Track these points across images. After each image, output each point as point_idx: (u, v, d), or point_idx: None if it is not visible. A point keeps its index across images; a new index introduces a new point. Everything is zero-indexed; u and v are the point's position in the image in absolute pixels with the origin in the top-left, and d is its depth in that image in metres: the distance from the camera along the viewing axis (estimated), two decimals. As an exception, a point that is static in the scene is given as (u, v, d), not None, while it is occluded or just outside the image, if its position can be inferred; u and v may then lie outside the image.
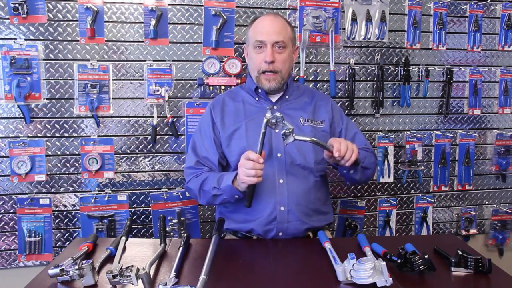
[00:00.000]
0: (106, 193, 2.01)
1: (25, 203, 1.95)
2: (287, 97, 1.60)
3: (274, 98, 1.59)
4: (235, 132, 1.55)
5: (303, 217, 1.49)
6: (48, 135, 1.96)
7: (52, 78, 1.94)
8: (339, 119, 1.65)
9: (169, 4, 1.99)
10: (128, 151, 2.04)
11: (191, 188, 1.56)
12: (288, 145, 1.50)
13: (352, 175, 1.50)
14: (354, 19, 2.16)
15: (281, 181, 1.48)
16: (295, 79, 2.11)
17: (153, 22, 1.96)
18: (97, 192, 2.01)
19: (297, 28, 2.10)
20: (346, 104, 2.18)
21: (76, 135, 1.98)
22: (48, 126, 1.96)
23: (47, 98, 1.94)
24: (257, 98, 1.61)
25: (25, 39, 1.90)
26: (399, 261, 1.17)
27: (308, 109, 1.59)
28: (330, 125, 1.61)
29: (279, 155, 1.51)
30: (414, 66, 2.24)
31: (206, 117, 1.63)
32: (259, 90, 1.59)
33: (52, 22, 1.91)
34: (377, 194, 2.29)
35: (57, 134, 1.97)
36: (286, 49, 1.53)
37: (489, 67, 2.35)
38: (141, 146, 2.04)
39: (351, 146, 1.35)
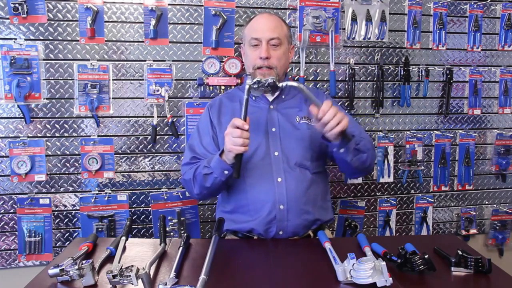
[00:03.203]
0: (106, 193, 2.01)
1: (25, 203, 1.95)
2: (283, 96, 1.60)
3: (270, 98, 1.59)
4: None
5: (303, 214, 1.49)
6: (48, 135, 1.96)
7: (52, 78, 1.94)
8: None
9: (169, 4, 1.99)
10: (128, 151, 2.04)
11: (186, 179, 1.55)
12: (285, 143, 1.51)
13: (343, 155, 1.41)
14: (354, 19, 2.16)
15: (279, 179, 1.48)
16: (295, 79, 2.11)
17: (153, 22, 1.96)
18: (97, 192, 2.01)
19: (297, 28, 2.10)
20: (346, 104, 2.18)
21: (76, 135, 1.98)
22: (48, 126, 1.96)
23: (47, 98, 1.94)
24: (253, 98, 1.61)
25: (25, 39, 1.90)
26: (399, 261, 1.17)
27: (304, 107, 1.59)
28: None
29: (276, 153, 1.51)
30: (414, 66, 2.24)
31: (204, 117, 1.63)
32: None
33: (52, 22, 1.91)
34: (377, 194, 2.29)
35: (57, 134, 1.97)
36: (281, 46, 1.54)
37: (489, 67, 2.35)
38: (141, 146, 2.04)
39: (339, 115, 1.28)
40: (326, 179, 1.64)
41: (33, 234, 1.97)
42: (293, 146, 1.52)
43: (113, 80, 1.98)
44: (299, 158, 1.52)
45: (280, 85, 1.36)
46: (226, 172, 1.41)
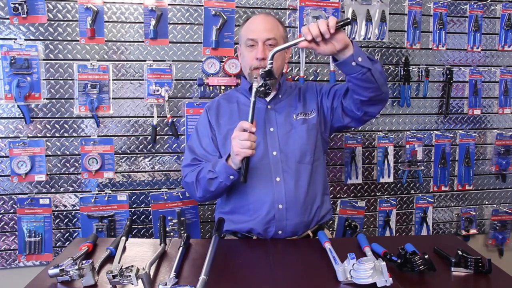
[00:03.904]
0: (106, 193, 2.01)
1: (25, 203, 1.95)
2: (280, 96, 1.60)
3: (267, 98, 1.59)
4: (230, 131, 1.54)
5: (302, 213, 1.49)
6: (48, 135, 1.96)
7: (52, 78, 1.94)
8: (326, 88, 1.61)
9: (169, 4, 1.99)
10: (128, 151, 2.04)
11: (188, 182, 1.55)
12: (283, 142, 1.52)
13: (363, 63, 1.29)
14: (354, 19, 2.16)
15: (278, 179, 1.49)
16: (295, 79, 2.11)
17: (153, 22, 1.96)
18: (97, 192, 2.01)
19: (297, 28, 2.10)
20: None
21: (76, 135, 1.98)
22: (48, 126, 1.96)
23: (47, 98, 1.94)
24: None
25: (25, 39, 1.90)
26: (399, 261, 1.17)
27: (299, 104, 1.60)
28: (318, 106, 1.59)
29: (274, 153, 1.51)
30: (414, 66, 2.24)
31: (203, 119, 1.63)
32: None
33: (52, 22, 1.91)
34: (377, 194, 2.29)
35: (57, 134, 1.97)
36: (277, 46, 1.53)
37: (489, 67, 2.35)
38: (141, 146, 2.04)
39: (321, 20, 1.23)
40: (324, 173, 1.63)
41: (33, 234, 1.97)
42: (292, 145, 1.52)
43: (113, 80, 1.98)
44: (298, 156, 1.52)
45: (268, 66, 1.32)
46: (231, 177, 1.41)
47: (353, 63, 1.30)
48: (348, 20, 1.26)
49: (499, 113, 2.39)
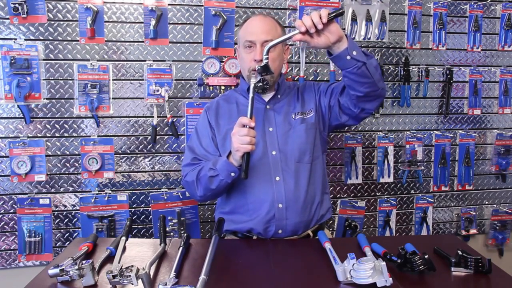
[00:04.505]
0: (106, 193, 2.01)
1: (25, 203, 1.95)
2: (279, 96, 1.61)
3: (266, 98, 1.59)
4: (229, 132, 1.54)
5: (302, 212, 1.49)
6: (48, 135, 1.96)
7: (52, 78, 1.94)
8: (324, 87, 1.62)
9: (169, 4, 1.99)
10: (128, 151, 2.04)
11: (188, 181, 1.54)
12: (282, 142, 1.52)
13: (358, 56, 1.30)
14: (354, 19, 2.16)
15: (277, 178, 1.49)
16: (295, 79, 2.11)
17: (153, 22, 1.96)
18: (97, 192, 2.01)
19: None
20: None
21: (76, 135, 1.98)
22: (48, 126, 1.96)
23: (47, 98, 1.94)
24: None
25: (25, 39, 1.90)
26: (399, 261, 1.17)
27: (297, 104, 1.60)
28: (317, 106, 1.59)
29: (274, 153, 1.51)
30: (414, 66, 2.24)
31: (202, 119, 1.63)
32: None
33: (52, 22, 1.91)
34: (377, 194, 2.29)
35: (57, 134, 1.97)
36: (275, 48, 1.53)
37: (489, 67, 2.35)
38: (141, 146, 2.04)
39: (314, 12, 1.23)
40: (323, 170, 1.62)
41: (33, 234, 1.97)
42: (291, 145, 1.53)
43: (113, 80, 1.98)
44: (297, 155, 1.52)
45: (264, 61, 1.32)
46: (232, 174, 1.41)
47: (348, 57, 1.30)
48: (341, 11, 1.25)
49: (499, 113, 2.39)
